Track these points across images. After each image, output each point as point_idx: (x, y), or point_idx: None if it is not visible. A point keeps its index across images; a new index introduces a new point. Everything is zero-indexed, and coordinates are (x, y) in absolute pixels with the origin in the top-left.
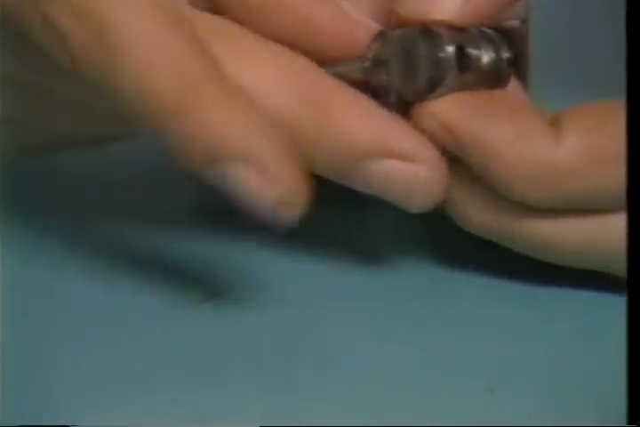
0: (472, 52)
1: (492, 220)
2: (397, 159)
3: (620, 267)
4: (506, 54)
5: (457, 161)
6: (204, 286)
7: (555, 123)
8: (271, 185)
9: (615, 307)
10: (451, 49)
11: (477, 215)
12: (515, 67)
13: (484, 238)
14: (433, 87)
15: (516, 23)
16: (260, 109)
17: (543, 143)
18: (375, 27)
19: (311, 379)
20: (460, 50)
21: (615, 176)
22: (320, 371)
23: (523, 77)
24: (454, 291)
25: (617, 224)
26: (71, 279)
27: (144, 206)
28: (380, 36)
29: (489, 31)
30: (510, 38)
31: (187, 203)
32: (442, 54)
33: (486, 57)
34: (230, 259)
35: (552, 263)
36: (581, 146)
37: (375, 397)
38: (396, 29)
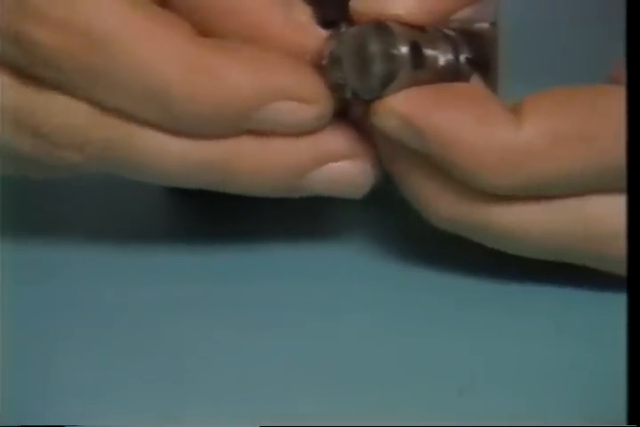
0: (428, 51)
1: (458, 212)
2: (337, 161)
3: (587, 255)
4: (465, 56)
5: (421, 156)
6: (202, 284)
7: (515, 110)
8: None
9: (613, 305)
10: (404, 45)
11: (445, 209)
12: (478, 68)
13: (455, 235)
14: (386, 83)
15: (485, 25)
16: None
17: (504, 128)
18: (323, 32)
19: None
20: (415, 47)
21: (578, 156)
22: (295, 371)
23: (492, 79)
24: (428, 290)
25: (582, 208)
26: (71, 279)
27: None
28: (336, 33)
29: (450, 33)
30: (478, 40)
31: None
32: (394, 51)
33: (443, 58)
34: (228, 255)
35: (524, 259)
36: (542, 128)
37: (351, 396)
38: (352, 27)
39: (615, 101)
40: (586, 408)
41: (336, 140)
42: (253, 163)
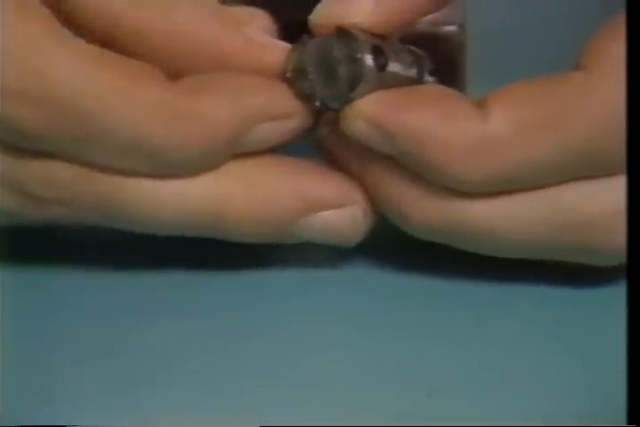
0: (391, 56)
1: (434, 214)
2: (327, 210)
3: (566, 247)
4: (428, 69)
5: (391, 162)
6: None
7: (480, 104)
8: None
9: (609, 305)
10: (367, 48)
11: (419, 213)
12: (445, 73)
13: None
14: (353, 87)
15: (452, 28)
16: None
17: (471, 121)
18: (283, 45)
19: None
20: (378, 50)
21: (546, 142)
22: (275, 376)
23: (460, 82)
24: (398, 293)
25: (557, 199)
26: (70, 279)
27: None
28: (298, 45)
29: (411, 47)
30: (445, 44)
31: None
32: (358, 54)
33: (405, 66)
34: (221, 267)
35: (508, 264)
36: (508, 117)
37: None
38: (313, 38)
39: (577, 86)
40: (586, 408)
41: (327, 187)
42: (243, 209)
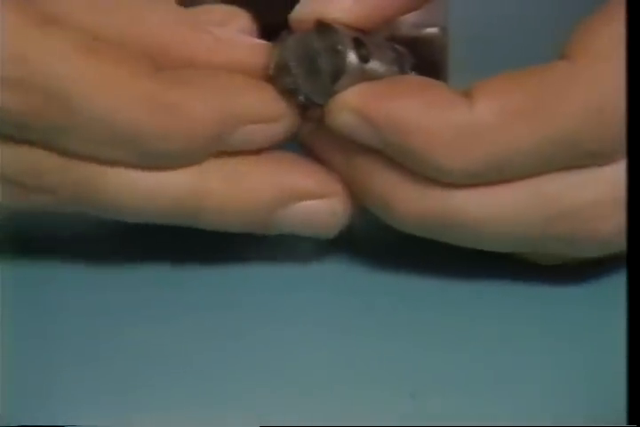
0: (373, 50)
1: (420, 206)
2: (306, 200)
3: (551, 237)
4: (409, 63)
5: (377, 155)
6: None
7: (465, 94)
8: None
9: (611, 305)
10: (348, 40)
11: (406, 205)
12: (427, 74)
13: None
14: (335, 79)
15: (434, 30)
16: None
17: (456, 109)
18: (256, 44)
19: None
20: (359, 42)
21: (530, 129)
22: (262, 376)
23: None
24: (383, 291)
25: (540, 188)
26: (70, 280)
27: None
28: (278, 41)
29: (392, 44)
30: (427, 46)
31: None
32: (339, 46)
33: (384, 67)
34: (210, 267)
35: (499, 261)
36: (493, 105)
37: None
38: (293, 34)
39: (562, 74)
40: (586, 408)
41: (306, 178)
42: (222, 199)
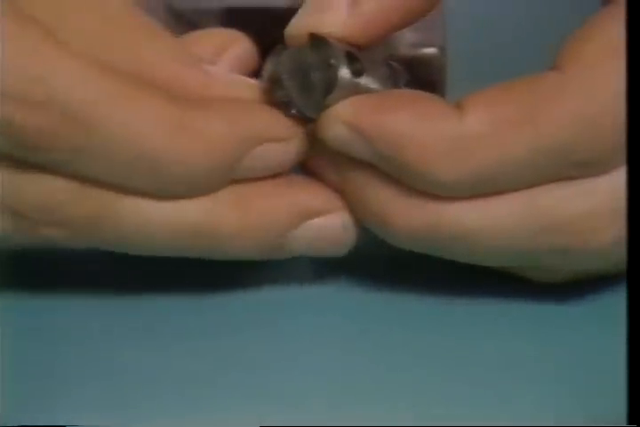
0: (366, 65)
1: (416, 219)
2: (317, 217)
3: (546, 249)
4: (403, 79)
5: (371, 169)
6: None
7: (457, 106)
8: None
9: (609, 307)
10: (340, 54)
11: (402, 219)
12: (431, 92)
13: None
14: (328, 93)
15: (432, 50)
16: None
17: (447, 120)
18: (249, 82)
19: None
20: (352, 56)
21: (522, 139)
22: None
23: None
24: (383, 311)
25: (534, 200)
26: (69, 282)
27: None
28: (273, 55)
29: (387, 60)
30: (425, 66)
31: None
32: (332, 60)
33: (377, 82)
34: (209, 290)
35: (496, 278)
36: (484, 115)
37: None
38: (287, 48)
39: (552, 84)
40: (586, 408)
41: (314, 196)
42: (236, 225)
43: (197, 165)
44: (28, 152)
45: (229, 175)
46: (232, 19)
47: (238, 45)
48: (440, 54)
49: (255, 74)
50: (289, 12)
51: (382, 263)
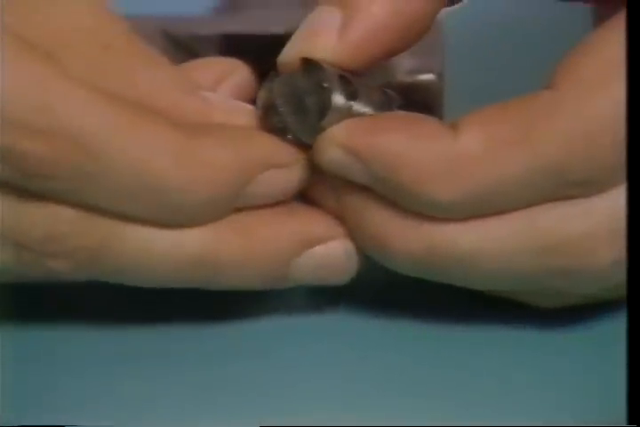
0: (360, 97)
1: (414, 242)
2: (320, 244)
3: (547, 271)
4: (396, 104)
5: (368, 193)
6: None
7: (452, 126)
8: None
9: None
10: (334, 77)
11: (399, 243)
12: None
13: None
14: (322, 116)
15: (430, 77)
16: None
17: (442, 140)
18: (247, 109)
19: None
20: (345, 79)
21: (517, 158)
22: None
23: None
24: (384, 339)
25: (533, 221)
26: (68, 308)
27: None
28: (266, 82)
29: (380, 87)
30: (423, 92)
31: None
32: (325, 83)
33: (371, 105)
34: (210, 319)
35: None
36: (479, 134)
37: None
38: (280, 74)
39: (546, 102)
40: (586, 408)
41: (316, 223)
42: (239, 253)
43: (201, 193)
44: (30, 180)
45: (233, 203)
46: (229, 45)
47: (238, 73)
48: (438, 80)
49: (254, 101)
50: (286, 39)
51: (381, 290)
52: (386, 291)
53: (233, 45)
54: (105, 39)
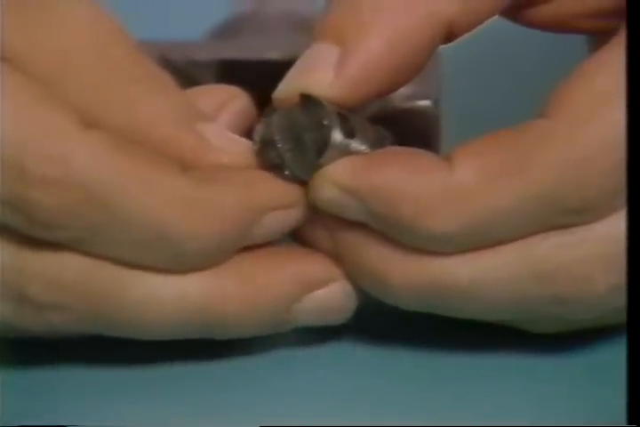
0: (357, 135)
1: (412, 276)
2: (319, 287)
3: (543, 300)
4: (389, 141)
5: (365, 230)
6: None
7: (446, 158)
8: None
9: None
10: (333, 114)
11: (398, 277)
12: (424, 145)
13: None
14: (320, 154)
15: (426, 103)
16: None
17: (437, 173)
18: (241, 146)
19: None
20: (343, 117)
21: (512, 188)
22: None
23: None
24: (385, 370)
25: (530, 250)
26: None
27: None
28: (264, 116)
29: (374, 125)
30: (419, 118)
31: None
32: (324, 121)
33: (367, 143)
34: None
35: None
36: (474, 166)
37: None
38: (278, 109)
39: (539, 132)
40: (586, 408)
41: (314, 267)
42: (240, 300)
43: (209, 240)
44: (39, 229)
45: (238, 246)
46: (226, 71)
47: (238, 101)
48: (434, 107)
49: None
50: (282, 65)
51: (380, 318)
52: (385, 319)
53: (229, 71)
54: (110, 61)
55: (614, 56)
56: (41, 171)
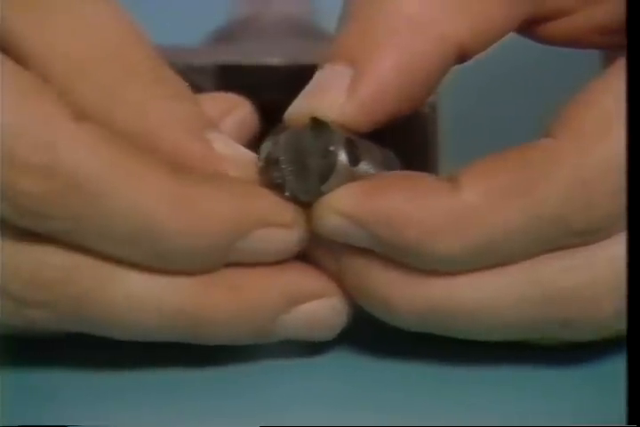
0: (363, 154)
1: (418, 298)
2: (307, 301)
3: (549, 321)
4: (395, 164)
5: (368, 255)
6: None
7: (450, 179)
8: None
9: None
10: (340, 141)
11: (404, 299)
12: (423, 150)
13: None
14: (324, 180)
15: (424, 109)
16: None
17: (441, 195)
18: (245, 157)
19: None
20: (351, 144)
21: (518, 208)
22: None
23: (433, 161)
24: (379, 381)
25: (535, 271)
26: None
27: None
28: (273, 134)
29: (382, 148)
30: (417, 123)
31: None
32: (331, 147)
33: (373, 168)
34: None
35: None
36: (478, 186)
37: None
38: (288, 128)
39: (545, 152)
40: (586, 408)
41: (305, 279)
42: (225, 308)
43: (194, 241)
44: (25, 218)
45: (225, 255)
46: (224, 76)
47: (241, 110)
48: (431, 111)
49: (255, 138)
50: (281, 70)
51: (378, 329)
52: (383, 327)
53: (228, 76)
54: (127, 64)
55: (623, 76)
56: (29, 158)
